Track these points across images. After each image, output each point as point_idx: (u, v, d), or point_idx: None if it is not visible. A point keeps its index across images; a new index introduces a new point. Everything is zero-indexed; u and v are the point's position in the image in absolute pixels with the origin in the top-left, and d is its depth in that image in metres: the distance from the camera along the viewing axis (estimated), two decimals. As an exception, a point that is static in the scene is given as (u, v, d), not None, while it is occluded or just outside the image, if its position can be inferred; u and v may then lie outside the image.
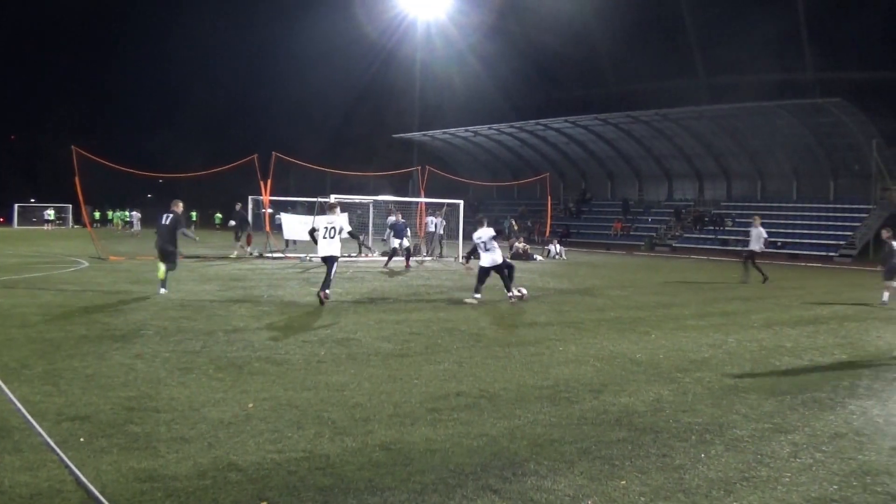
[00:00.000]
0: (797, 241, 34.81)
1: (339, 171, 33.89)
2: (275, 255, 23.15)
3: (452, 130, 50.41)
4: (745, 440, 5.01)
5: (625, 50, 46.58)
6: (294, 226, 24.12)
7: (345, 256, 19.40)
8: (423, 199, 28.42)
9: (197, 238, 14.21)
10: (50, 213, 51.58)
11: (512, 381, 6.55)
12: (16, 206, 52.61)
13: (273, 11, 61.54)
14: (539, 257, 27.27)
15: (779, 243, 34.65)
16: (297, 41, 58.17)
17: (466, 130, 49.61)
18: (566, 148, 48.42)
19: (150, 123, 63.86)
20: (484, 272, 12.99)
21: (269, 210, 25.15)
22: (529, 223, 42.89)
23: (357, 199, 27.89)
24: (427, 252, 25.53)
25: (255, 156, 22.86)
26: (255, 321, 9.61)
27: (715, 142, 41.21)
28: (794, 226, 36.38)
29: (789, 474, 4.36)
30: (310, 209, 26.61)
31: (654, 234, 41.34)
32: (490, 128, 48.30)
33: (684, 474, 4.30)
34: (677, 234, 40.71)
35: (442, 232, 26.29)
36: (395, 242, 20.74)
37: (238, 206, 24.29)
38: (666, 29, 45.47)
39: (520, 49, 50.60)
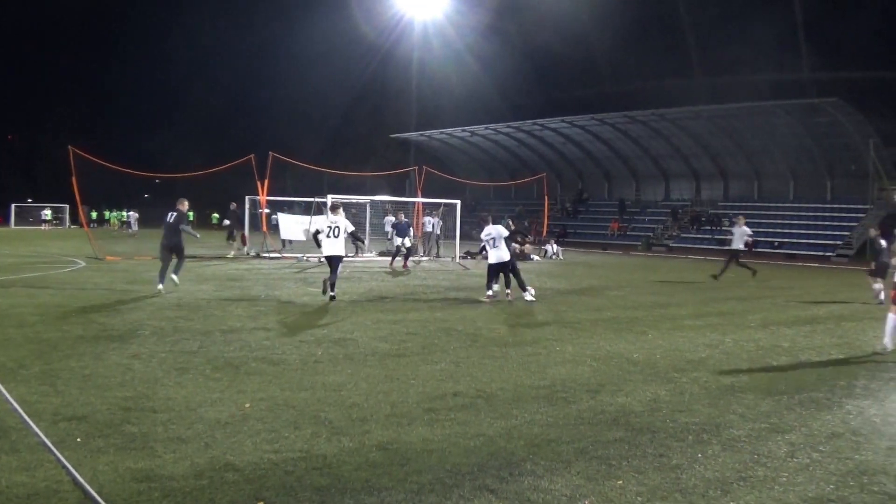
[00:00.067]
0: (794, 240, 34.85)
1: (336, 171, 33.90)
2: (271, 255, 23.14)
3: (450, 130, 50.40)
4: (741, 440, 5.02)
5: (622, 50, 46.68)
6: (291, 226, 24.04)
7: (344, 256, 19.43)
8: (420, 199, 28.44)
9: (198, 235, 14.24)
10: (47, 213, 51.44)
11: (509, 381, 6.55)
12: (13, 206, 52.48)
13: (272, 11, 61.68)
14: (536, 257, 27.27)
15: (776, 243, 34.73)
16: (296, 41, 58.27)
17: (464, 130, 49.60)
18: (563, 148, 48.42)
19: (150, 123, 63.88)
20: (492, 269, 13.08)
21: (266, 210, 25.11)
22: (527, 223, 42.89)
23: (354, 199, 27.88)
24: (424, 252, 25.53)
25: (252, 156, 22.82)
26: (251, 321, 9.61)
27: (712, 142, 41.24)
28: (791, 226, 36.42)
29: (786, 474, 4.36)
30: (307, 209, 26.58)
31: (650, 234, 41.36)
32: (487, 128, 48.28)
33: (681, 474, 4.30)
34: (674, 234, 40.75)
35: (439, 232, 26.31)
36: (398, 241, 20.83)
37: (233, 206, 24.06)
38: (663, 29, 45.61)
39: (517, 49, 50.69)
